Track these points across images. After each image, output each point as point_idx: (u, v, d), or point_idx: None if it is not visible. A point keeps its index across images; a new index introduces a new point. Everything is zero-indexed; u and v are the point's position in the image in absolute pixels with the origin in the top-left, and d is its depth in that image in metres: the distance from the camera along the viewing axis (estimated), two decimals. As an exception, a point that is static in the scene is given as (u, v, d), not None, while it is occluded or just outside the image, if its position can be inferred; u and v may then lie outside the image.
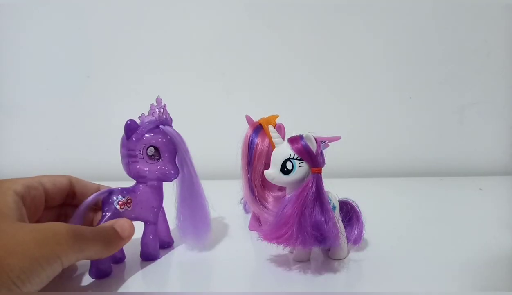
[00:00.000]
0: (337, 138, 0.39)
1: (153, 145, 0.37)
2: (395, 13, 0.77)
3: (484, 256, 0.41)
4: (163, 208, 0.42)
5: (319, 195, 0.34)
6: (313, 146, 0.34)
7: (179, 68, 0.79)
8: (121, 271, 0.37)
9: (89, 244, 0.31)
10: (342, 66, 0.79)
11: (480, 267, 0.38)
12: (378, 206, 0.59)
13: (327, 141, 0.38)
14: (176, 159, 0.39)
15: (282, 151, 0.35)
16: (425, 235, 0.47)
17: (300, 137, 0.35)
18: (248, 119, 0.46)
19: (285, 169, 0.35)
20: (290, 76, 0.79)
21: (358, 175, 0.80)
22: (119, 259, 0.39)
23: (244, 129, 0.45)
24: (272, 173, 0.36)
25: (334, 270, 0.37)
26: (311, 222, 0.33)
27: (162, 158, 0.37)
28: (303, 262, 0.38)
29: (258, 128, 0.44)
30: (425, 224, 0.51)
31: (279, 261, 0.39)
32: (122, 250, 0.39)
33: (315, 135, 0.35)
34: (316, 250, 0.40)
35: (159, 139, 0.37)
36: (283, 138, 0.40)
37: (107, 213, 0.36)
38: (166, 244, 0.42)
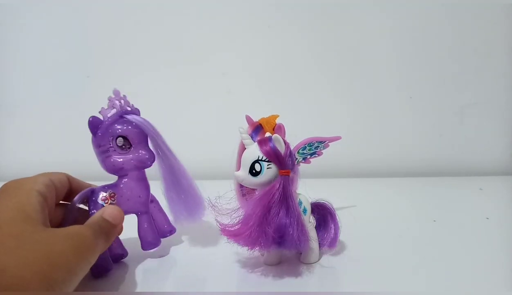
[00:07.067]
0: (337, 138, 0.38)
1: (121, 135, 0.36)
2: (395, 13, 0.77)
3: (484, 256, 0.41)
4: (156, 199, 0.41)
5: (286, 198, 0.33)
6: (281, 148, 0.34)
7: (179, 68, 0.78)
8: (122, 269, 0.37)
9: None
10: (342, 66, 0.79)
11: (479, 267, 0.38)
12: (377, 206, 0.59)
13: (327, 141, 0.38)
14: (149, 145, 0.38)
15: (251, 152, 0.35)
16: (424, 235, 0.47)
17: (269, 139, 0.34)
18: (248, 119, 0.46)
19: (254, 171, 0.34)
20: (290, 76, 0.79)
21: (357, 175, 0.80)
22: (121, 255, 0.39)
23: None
24: (242, 175, 0.35)
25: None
26: (274, 224, 0.32)
27: (133, 146, 0.37)
28: (273, 265, 0.38)
29: (258, 128, 0.44)
30: (425, 224, 0.51)
31: (284, 263, 0.38)
32: (122, 246, 0.39)
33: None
34: (287, 253, 0.39)
35: (125, 128, 0.37)
36: (283, 139, 0.40)
37: (93, 211, 0.36)
38: (168, 233, 0.41)
